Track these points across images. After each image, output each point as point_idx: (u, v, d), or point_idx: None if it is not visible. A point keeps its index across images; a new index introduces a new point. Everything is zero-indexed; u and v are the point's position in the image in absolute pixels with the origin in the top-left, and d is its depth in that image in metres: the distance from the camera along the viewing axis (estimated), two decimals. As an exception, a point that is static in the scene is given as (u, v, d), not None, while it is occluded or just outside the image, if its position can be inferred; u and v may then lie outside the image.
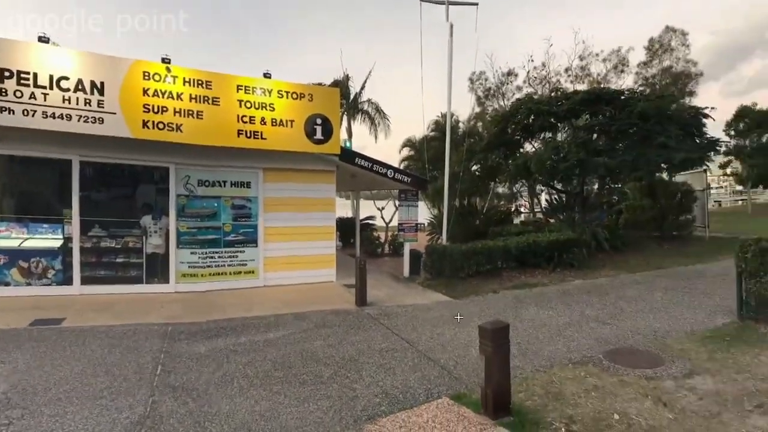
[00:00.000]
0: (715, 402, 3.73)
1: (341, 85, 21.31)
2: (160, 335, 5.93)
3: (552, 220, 16.10)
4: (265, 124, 8.81)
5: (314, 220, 10.09)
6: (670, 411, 3.63)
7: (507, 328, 3.84)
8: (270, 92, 8.89)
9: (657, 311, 6.79)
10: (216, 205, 9.26)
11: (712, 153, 14.51)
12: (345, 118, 22.51)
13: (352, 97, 22.63)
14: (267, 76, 8.99)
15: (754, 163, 25.67)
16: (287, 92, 9.09)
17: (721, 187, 38.57)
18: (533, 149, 15.69)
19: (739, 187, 33.34)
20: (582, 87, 23.80)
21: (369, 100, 23.21)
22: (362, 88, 22.90)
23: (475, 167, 17.56)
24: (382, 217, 17.74)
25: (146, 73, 7.82)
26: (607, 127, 13.07)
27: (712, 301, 7.05)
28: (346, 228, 17.78)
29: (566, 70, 25.82)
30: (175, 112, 7.99)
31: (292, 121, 9.12)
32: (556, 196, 16.74)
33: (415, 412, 3.78)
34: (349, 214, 20.01)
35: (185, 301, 7.96)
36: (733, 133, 25.89)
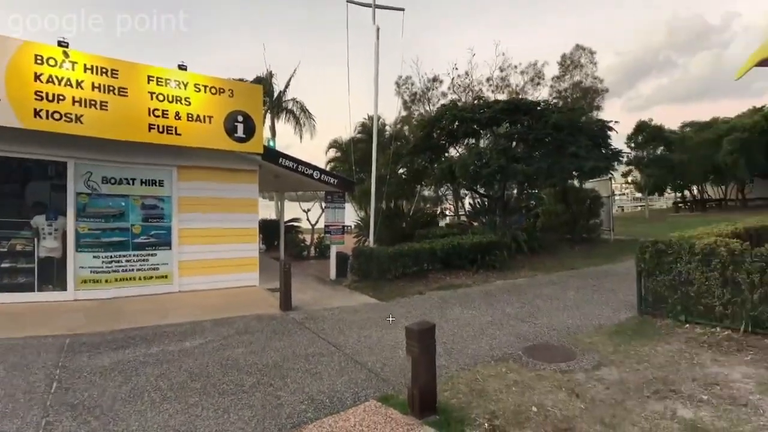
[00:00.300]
0: (620, 390, 4.10)
1: (264, 82, 20.71)
2: (57, 349, 5.30)
3: (475, 223, 16.86)
4: (180, 118, 8.28)
5: (235, 222, 9.66)
6: (581, 401, 3.92)
7: (433, 328, 3.92)
8: (186, 85, 8.38)
9: (570, 309, 7.35)
10: (123, 204, 8.51)
11: (616, 162, 16.10)
12: (269, 116, 21.92)
13: (276, 95, 22.10)
14: (182, 67, 8.46)
15: (650, 172, 28.95)
16: (205, 86, 8.63)
17: (624, 193, 43.01)
18: (458, 154, 16.34)
19: (639, 194, 37.37)
20: (502, 97, 25.34)
21: (294, 99, 22.82)
22: (287, 86, 22.46)
23: (401, 170, 17.92)
24: (308, 219, 17.47)
25: (39, 57, 7.01)
26: (525, 136, 13.96)
27: (617, 298, 7.78)
28: (269, 230, 17.25)
29: (488, 79, 27.33)
30: (74, 101, 7.24)
31: (210, 117, 8.67)
32: (479, 200, 17.58)
33: (342, 416, 3.73)
34: (273, 216, 19.45)
35: (87, 310, 7.21)
36: (633, 145, 28.95)
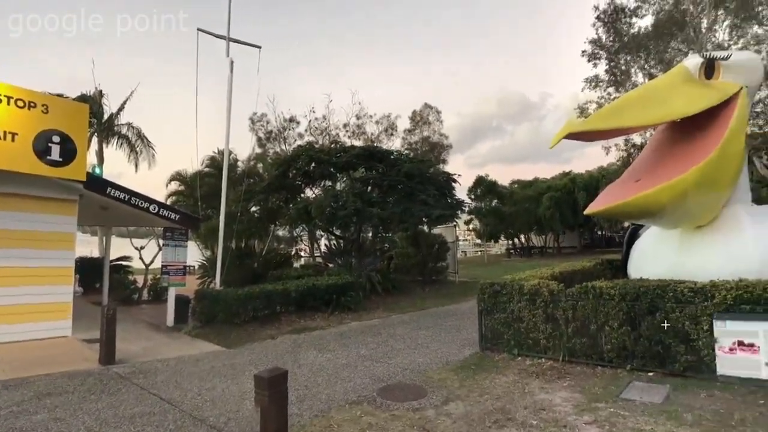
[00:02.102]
0: (465, 423, 4.42)
1: (92, 101, 18.50)
2: None
3: (331, 265, 17.03)
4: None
5: (45, 260, 8.18)
6: (432, 437, 4.11)
7: (285, 375, 3.78)
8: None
9: (421, 347, 7.78)
10: None
11: (460, 211, 18.07)
12: (96, 140, 19.50)
13: (106, 116, 19.87)
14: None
15: (487, 221, 33.31)
16: (9, 97, 7.37)
17: (466, 239, 48.14)
18: (314, 195, 16.55)
19: (478, 241, 42.30)
20: (358, 143, 26.82)
21: (130, 124, 20.78)
22: (121, 108, 20.36)
23: (254, 208, 17.38)
24: (141, 258, 15.61)
25: None
26: (380, 182, 14.86)
27: (462, 336, 8.49)
28: (90, 269, 14.94)
29: (345, 125, 28.76)
30: None
31: (14, 134, 7.40)
32: (335, 242, 17.89)
33: (175, 486, 3.27)
34: (96, 254, 16.93)
35: None
36: (473, 196, 33.14)
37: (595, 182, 29.56)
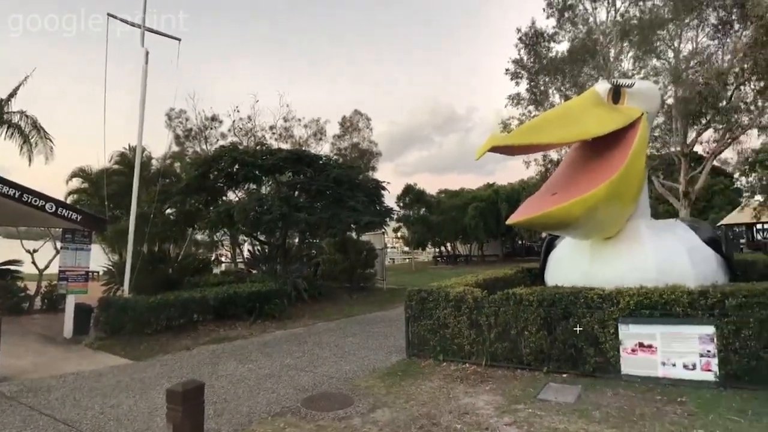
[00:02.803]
0: (391, 430, 4.45)
1: (-30, 85, 16.47)
2: None
3: (254, 271, 16.49)
4: None
5: None
6: (359, 445, 4.09)
7: (201, 387, 3.60)
8: None
9: (348, 355, 7.74)
10: None
11: (389, 218, 18.32)
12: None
13: (-10, 103, 17.74)
14: None
15: (415, 229, 34.11)
16: None
17: (395, 247, 48.90)
18: (237, 198, 15.96)
19: (406, 248, 43.11)
20: (286, 146, 26.40)
21: (23, 112, 18.70)
22: (12, 94, 18.26)
23: (170, 210, 16.39)
24: (34, 262, 14.08)
25: None
26: (308, 186, 14.68)
27: (389, 343, 8.57)
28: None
29: (271, 127, 28.15)
30: None
31: None
32: (259, 247, 17.34)
33: None
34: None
35: None
36: (402, 204, 33.76)
37: (516, 194, 31.41)
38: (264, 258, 16.42)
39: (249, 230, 15.25)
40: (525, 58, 21.60)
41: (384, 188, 17.36)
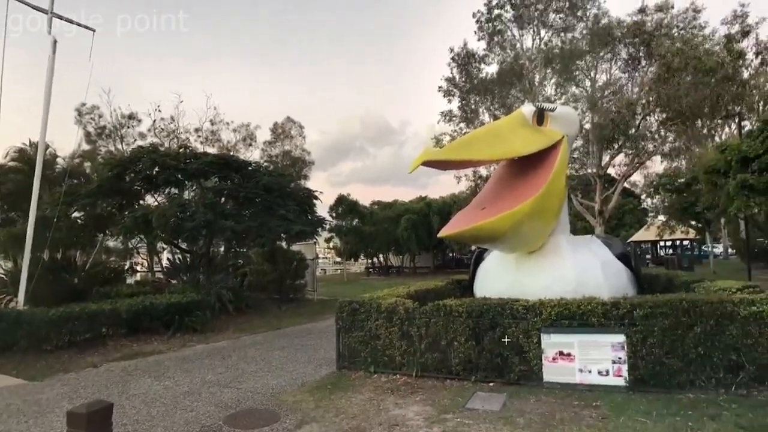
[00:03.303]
0: (321, 445, 4.35)
1: None
2: None
3: (174, 281, 15.58)
4: None
5: None
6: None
7: (109, 408, 3.31)
8: None
9: (275, 369, 7.49)
10: None
11: (321, 228, 18.12)
12: None
13: None
14: None
15: (348, 240, 33.97)
16: None
17: (326, 257, 48.43)
18: (156, 203, 15.05)
19: (338, 259, 42.82)
20: (213, 150, 25.49)
21: None
22: None
23: (77, 214, 15.08)
24: None
25: None
26: (235, 193, 14.13)
27: (319, 355, 8.40)
28: None
29: (197, 130, 27.10)
30: None
31: None
32: (180, 256, 16.43)
33: None
34: None
35: None
36: (334, 214, 33.55)
37: (448, 207, 32.43)
38: (185, 267, 15.56)
39: (169, 237, 14.36)
40: (457, 77, 22.61)
41: (316, 197, 17.18)
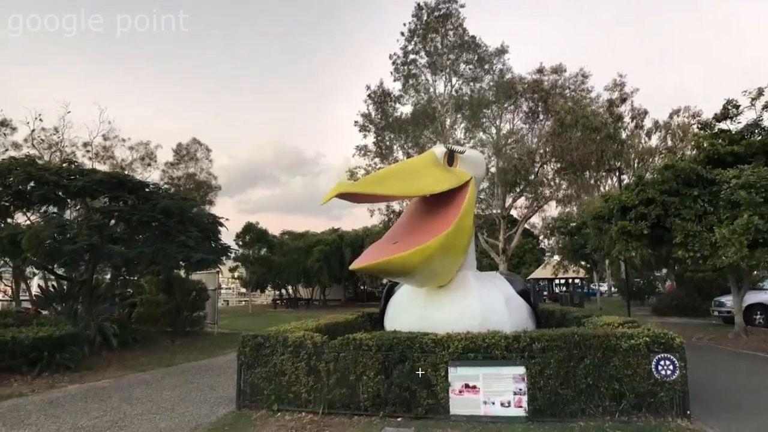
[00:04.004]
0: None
1: None
2: None
3: (45, 312, 13.79)
4: None
5: None
6: None
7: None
8: None
9: (164, 411, 6.81)
10: None
11: (225, 257, 17.25)
12: None
13: None
14: None
15: (254, 270, 32.51)
16: None
17: (230, 288, 45.93)
18: (28, 222, 13.45)
19: (243, 290, 40.77)
20: (104, 168, 23.63)
21: None
22: None
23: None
24: None
25: None
26: (128, 215, 13.04)
27: (217, 394, 7.81)
28: None
29: (86, 144, 25.06)
30: None
31: None
32: (54, 283, 14.65)
33: None
34: None
35: None
36: (241, 243, 32.12)
37: (360, 240, 32.64)
38: (62, 296, 13.86)
39: (43, 261, 12.75)
40: (373, 113, 23.37)
41: (221, 224, 16.42)
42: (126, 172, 22.13)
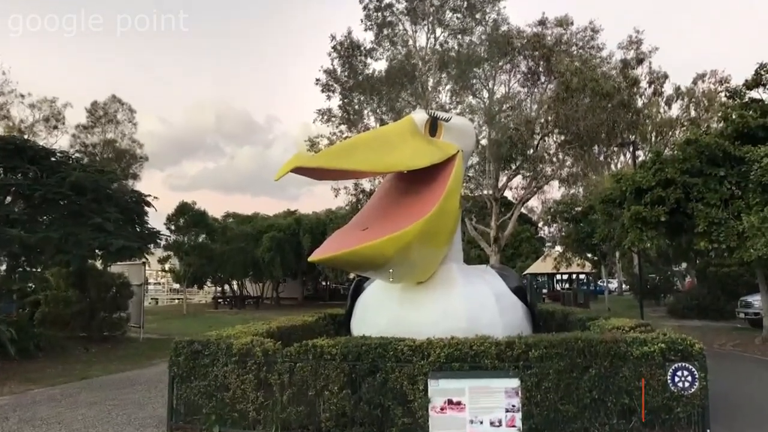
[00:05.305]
0: None
1: None
2: None
3: None
4: None
5: None
6: None
7: None
8: None
9: (77, 434, 6.74)
10: None
11: (153, 245, 16.97)
12: None
13: None
14: None
15: (190, 261, 31.99)
16: None
17: (160, 283, 45.38)
18: None
19: (177, 285, 40.29)
20: (-4, 130, 22.85)
21: None
22: None
23: None
24: None
25: None
26: (29, 191, 12.92)
27: (144, 413, 7.75)
28: None
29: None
30: None
31: None
32: None
33: None
34: None
35: None
36: (173, 227, 31.48)
37: (322, 226, 32.63)
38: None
39: None
40: (339, 70, 23.11)
41: (149, 204, 16.18)
42: (25, 136, 21.37)
